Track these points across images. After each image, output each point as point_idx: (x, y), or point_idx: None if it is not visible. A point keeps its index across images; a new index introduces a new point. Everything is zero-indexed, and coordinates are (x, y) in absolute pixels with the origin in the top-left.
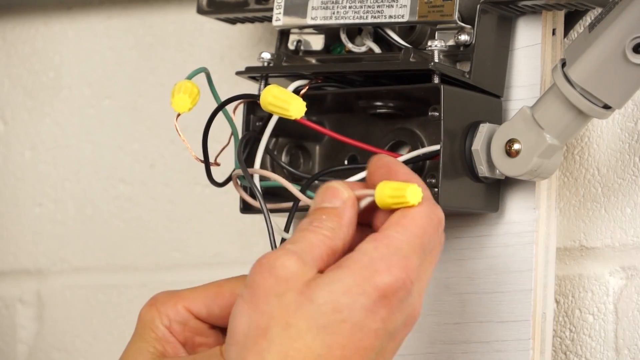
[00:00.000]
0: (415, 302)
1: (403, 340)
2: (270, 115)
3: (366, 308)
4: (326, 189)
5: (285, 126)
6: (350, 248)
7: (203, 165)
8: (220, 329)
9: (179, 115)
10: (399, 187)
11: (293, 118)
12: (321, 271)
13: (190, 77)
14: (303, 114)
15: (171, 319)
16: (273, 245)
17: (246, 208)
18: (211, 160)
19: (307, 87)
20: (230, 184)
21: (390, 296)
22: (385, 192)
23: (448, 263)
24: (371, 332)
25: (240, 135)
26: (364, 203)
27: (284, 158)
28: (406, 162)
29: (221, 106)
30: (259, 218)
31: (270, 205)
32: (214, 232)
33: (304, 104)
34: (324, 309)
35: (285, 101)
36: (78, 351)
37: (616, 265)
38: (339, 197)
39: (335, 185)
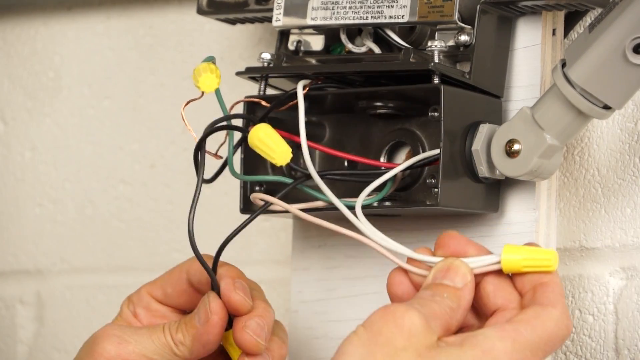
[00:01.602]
0: None
1: None
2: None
3: None
4: (449, 268)
5: (285, 126)
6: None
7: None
8: (183, 312)
9: (187, 103)
10: (539, 251)
11: (278, 165)
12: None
13: (206, 62)
14: (288, 160)
15: (135, 303)
16: None
17: (246, 208)
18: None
19: (307, 88)
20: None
21: None
22: (517, 255)
23: None
24: None
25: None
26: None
27: None
28: (405, 169)
29: (204, 137)
30: (258, 218)
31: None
32: (214, 232)
33: (290, 151)
34: None
35: (271, 149)
36: (78, 351)
37: (616, 266)
38: (462, 278)
39: (459, 265)
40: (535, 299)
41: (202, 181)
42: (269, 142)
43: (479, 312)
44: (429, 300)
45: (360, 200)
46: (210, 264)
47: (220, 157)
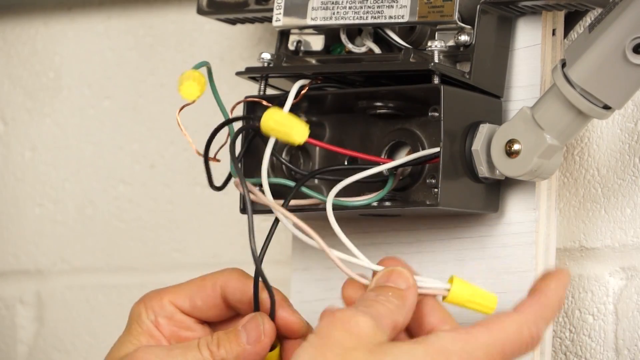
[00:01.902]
0: None
1: None
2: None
3: None
4: (392, 272)
5: None
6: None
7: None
8: (206, 324)
9: (182, 108)
10: (484, 296)
11: (297, 144)
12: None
13: (196, 68)
14: (306, 137)
15: (157, 313)
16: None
17: (246, 209)
18: (210, 156)
19: (307, 88)
20: (231, 185)
21: None
22: (464, 292)
23: (448, 263)
24: None
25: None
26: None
27: (284, 158)
28: (405, 165)
29: (224, 124)
30: (259, 219)
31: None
32: (214, 232)
33: (307, 127)
34: None
35: (290, 126)
36: (78, 351)
37: (616, 266)
38: (405, 280)
39: (402, 270)
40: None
41: (250, 207)
42: (285, 121)
43: (412, 333)
44: (374, 301)
45: (330, 197)
46: (243, 280)
47: (219, 160)
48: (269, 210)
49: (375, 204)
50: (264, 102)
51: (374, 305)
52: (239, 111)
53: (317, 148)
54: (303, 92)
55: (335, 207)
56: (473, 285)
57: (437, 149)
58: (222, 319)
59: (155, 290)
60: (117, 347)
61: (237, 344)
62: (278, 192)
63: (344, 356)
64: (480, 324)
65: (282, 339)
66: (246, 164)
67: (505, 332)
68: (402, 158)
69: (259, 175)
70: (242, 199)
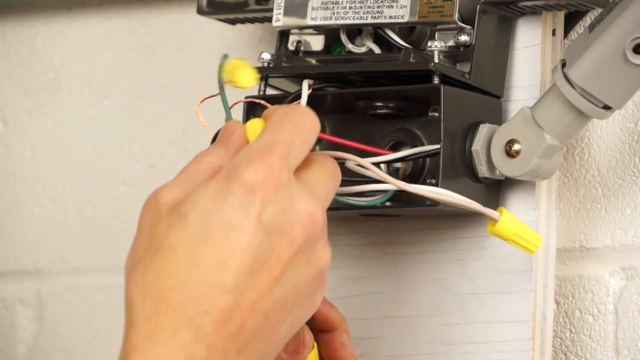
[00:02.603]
0: (298, 194)
1: (304, 241)
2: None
3: (235, 206)
4: (222, 130)
5: None
6: None
7: None
8: None
9: (203, 100)
10: (530, 233)
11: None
12: None
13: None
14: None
15: None
16: None
17: None
18: None
19: (311, 88)
20: None
21: (258, 188)
22: (512, 225)
23: (448, 263)
24: (245, 229)
25: None
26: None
27: None
28: (406, 159)
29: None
30: None
31: None
32: None
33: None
34: (193, 218)
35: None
36: (78, 352)
37: (616, 266)
38: (231, 129)
39: (230, 123)
40: None
41: None
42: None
43: None
44: (191, 163)
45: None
46: None
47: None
48: None
49: (379, 204)
50: (263, 103)
51: (184, 170)
52: (239, 111)
53: (317, 148)
54: (309, 91)
55: (339, 207)
56: (520, 221)
57: (437, 146)
58: None
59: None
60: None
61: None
62: None
63: (152, 232)
64: None
65: (318, 332)
66: None
67: (273, 121)
68: (404, 151)
69: None
70: None
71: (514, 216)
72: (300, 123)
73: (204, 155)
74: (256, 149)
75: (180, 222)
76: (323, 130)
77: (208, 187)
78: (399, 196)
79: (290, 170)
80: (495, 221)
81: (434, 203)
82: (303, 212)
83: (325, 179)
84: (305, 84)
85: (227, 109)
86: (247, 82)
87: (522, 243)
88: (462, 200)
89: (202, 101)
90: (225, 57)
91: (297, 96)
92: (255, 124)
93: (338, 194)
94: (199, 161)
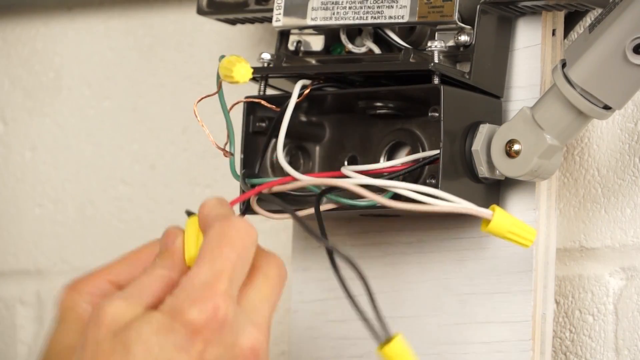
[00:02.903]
0: (241, 329)
1: None
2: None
3: (177, 346)
4: (162, 237)
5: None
6: None
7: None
8: None
9: (200, 99)
10: (524, 228)
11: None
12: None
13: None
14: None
15: (94, 294)
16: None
17: (246, 210)
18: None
19: (309, 88)
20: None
21: (202, 330)
22: (506, 222)
23: (448, 263)
24: None
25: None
26: None
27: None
28: (407, 171)
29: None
30: (259, 219)
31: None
32: None
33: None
34: (136, 351)
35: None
36: None
37: (616, 266)
38: (171, 237)
39: (169, 230)
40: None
41: None
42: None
43: None
44: (140, 275)
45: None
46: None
47: (232, 154)
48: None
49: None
50: (263, 102)
51: (135, 281)
52: (239, 112)
53: (317, 149)
54: (306, 92)
55: (339, 207)
56: (513, 216)
57: (436, 151)
58: None
59: (83, 275)
60: (54, 339)
61: None
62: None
63: (94, 353)
64: (195, 262)
65: None
66: (246, 163)
67: (212, 247)
68: (402, 158)
69: (259, 174)
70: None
71: (506, 213)
72: (238, 242)
73: (152, 267)
74: (198, 286)
75: (124, 351)
76: (323, 130)
77: (153, 318)
78: (399, 196)
79: (234, 300)
80: (488, 220)
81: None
82: (245, 347)
83: (269, 291)
84: (299, 85)
85: (226, 111)
86: (243, 76)
87: (516, 239)
88: (453, 207)
89: (200, 100)
90: (222, 58)
91: (298, 95)
92: (191, 234)
93: (337, 195)
94: (148, 274)
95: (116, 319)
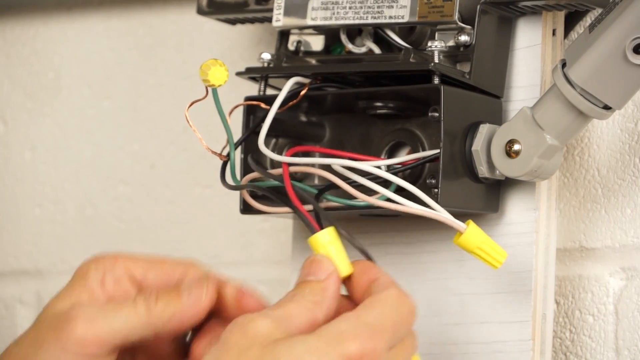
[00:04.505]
0: None
1: None
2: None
3: None
4: (311, 262)
5: (285, 127)
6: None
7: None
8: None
9: (192, 104)
10: (496, 248)
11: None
12: None
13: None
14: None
15: (106, 270)
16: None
17: (246, 209)
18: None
19: (306, 88)
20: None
21: None
22: (477, 238)
23: (448, 263)
24: None
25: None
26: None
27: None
28: (405, 167)
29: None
30: (259, 219)
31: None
32: (214, 233)
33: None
34: None
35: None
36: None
37: (616, 266)
38: (325, 270)
39: (319, 259)
40: (371, 290)
41: None
42: (334, 256)
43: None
44: (288, 301)
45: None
46: (199, 276)
47: (227, 158)
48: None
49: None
50: (263, 105)
51: (284, 306)
52: (239, 112)
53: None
54: (303, 92)
55: (339, 207)
56: (486, 236)
57: (436, 151)
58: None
59: (108, 253)
60: (54, 301)
61: (177, 302)
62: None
63: (238, 356)
64: (363, 305)
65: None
66: (246, 166)
67: (389, 304)
68: (402, 157)
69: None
70: (242, 200)
71: (480, 230)
72: (406, 319)
73: (302, 296)
74: (365, 325)
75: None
76: (323, 130)
77: (308, 341)
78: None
79: (387, 354)
80: (460, 233)
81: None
82: None
83: (404, 355)
84: (291, 81)
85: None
86: (218, 79)
87: (485, 257)
88: (429, 213)
89: (190, 106)
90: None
91: (295, 94)
92: (339, 247)
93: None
94: (297, 302)
95: (266, 333)
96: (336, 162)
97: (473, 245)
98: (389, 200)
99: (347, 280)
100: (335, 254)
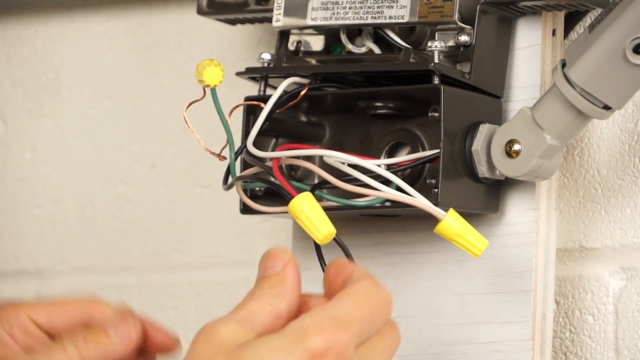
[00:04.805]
0: None
1: None
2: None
3: None
4: (267, 257)
5: (285, 127)
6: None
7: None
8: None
9: (189, 105)
10: (476, 236)
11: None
12: None
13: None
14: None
15: (12, 324)
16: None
17: (246, 209)
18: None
19: (306, 88)
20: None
21: (320, 358)
22: (457, 225)
23: (448, 263)
24: None
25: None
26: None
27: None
28: (405, 167)
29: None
30: (258, 219)
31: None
32: (214, 233)
33: (334, 232)
34: None
35: (316, 227)
36: None
37: (616, 266)
38: (280, 260)
39: (274, 251)
40: (344, 286)
41: None
42: (314, 218)
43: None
44: (249, 300)
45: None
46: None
47: (225, 158)
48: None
49: (378, 204)
50: (262, 105)
51: (246, 306)
52: (239, 112)
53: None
54: (303, 92)
55: (339, 207)
56: (467, 223)
57: (436, 151)
58: None
59: (8, 301)
60: None
61: (108, 341)
62: (276, 193)
63: None
64: (334, 298)
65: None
66: (246, 166)
67: (360, 295)
68: (402, 156)
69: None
70: (241, 200)
71: (461, 218)
72: (377, 310)
73: (261, 293)
74: (330, 318)
75: None
76: (323, 130)
77: (272, 341)
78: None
79: (355, 348)
80: (439, 220)
81: (434, 203)
82: None
83: (386, 353)
84: (288, 80)
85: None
86: (213, 80)
87: (466, 245)
88: (406, 199)
89: (188, 107)
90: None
91: (295, 94)
92: (316, 209)
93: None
94: (257, 299)
95: (231, 338)
96: (315, 153)
97: (453, 233)
98: (367, 186)
99: (323, 282)
100: (314, 216)
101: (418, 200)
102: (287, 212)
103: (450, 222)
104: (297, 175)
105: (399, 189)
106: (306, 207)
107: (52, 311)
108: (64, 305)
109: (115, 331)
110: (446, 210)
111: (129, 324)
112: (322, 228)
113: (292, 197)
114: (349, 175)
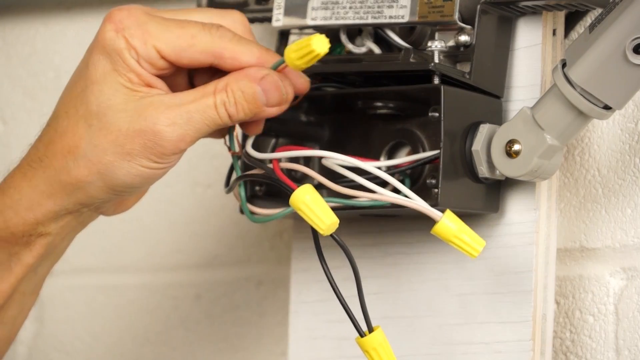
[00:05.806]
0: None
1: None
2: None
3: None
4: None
5: (285, 127)
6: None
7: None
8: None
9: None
10: (473, 236)
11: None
12: None
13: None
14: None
15: (140, 54)
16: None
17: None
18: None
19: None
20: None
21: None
22: (454, 227)
23: (448, 263)
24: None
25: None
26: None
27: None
28: (405, 168)
29: (239, 178)
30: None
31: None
32: (215, 233)
33: (337, 221)
34: None
35: (319, 217)
36: (78, 352)
37: (616, 266)
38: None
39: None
40: None
41: None
42: (316, 209)
43: None
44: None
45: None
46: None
47: (236, 152)
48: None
49: (378, 204)
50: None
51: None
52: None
53: (317, 148)
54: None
55: (340, 208)
56: (464, 224)
57: (436, 151)
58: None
59: (131, 21)
60: (106, 91)
61: (256, 106)
62: (276, 194)
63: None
64: None
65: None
66: (246, 165)
67: None
68: (402, 158)
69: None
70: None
71: (457, 218)
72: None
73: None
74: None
75: None
76: (323, 130)
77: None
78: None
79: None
80: (436, 221)
81: (434, 203)
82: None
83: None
84: None
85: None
86: (322, 47)
87: (463, 246)
88: (404, 201)
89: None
90: (281, 62)
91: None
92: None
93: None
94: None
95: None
96: (313, 154)
97: (450, 234)
98: (363, 189)
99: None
100: (316, 207)
101: (415, 202)
102: (287, 215)
103: (447, 223)
104: (297, 176)
105: (396, 190)
106: (308, 198)
107: (179, 49)
108: (192, 44)
109: (267, 97)
110: (443, 212)
111: (280, 88)
112: (325, 218)
113: (293, 190)
114: (346, 177)
